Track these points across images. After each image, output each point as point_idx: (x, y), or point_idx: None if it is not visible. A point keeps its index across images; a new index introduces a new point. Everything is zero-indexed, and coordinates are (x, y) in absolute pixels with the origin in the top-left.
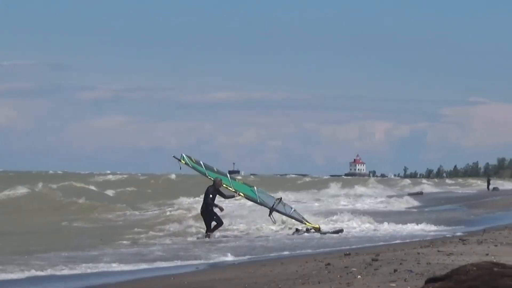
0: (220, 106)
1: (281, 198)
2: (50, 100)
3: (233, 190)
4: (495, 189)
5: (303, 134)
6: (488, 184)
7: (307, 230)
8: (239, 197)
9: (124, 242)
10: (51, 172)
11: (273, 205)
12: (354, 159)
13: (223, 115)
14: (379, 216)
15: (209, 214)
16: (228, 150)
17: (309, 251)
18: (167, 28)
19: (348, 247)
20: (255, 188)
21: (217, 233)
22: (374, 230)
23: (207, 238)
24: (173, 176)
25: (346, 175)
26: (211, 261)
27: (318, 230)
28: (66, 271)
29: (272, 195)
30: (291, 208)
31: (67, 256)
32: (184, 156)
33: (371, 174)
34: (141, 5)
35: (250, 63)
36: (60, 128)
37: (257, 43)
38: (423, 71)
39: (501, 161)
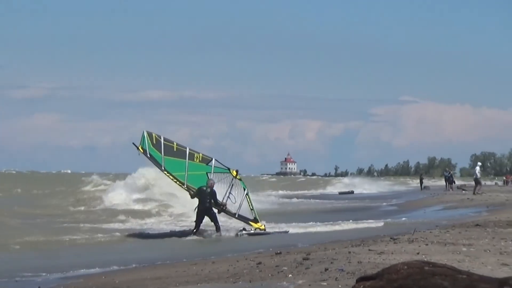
0: (153, 105)
1: (237, 170)
2: None
3: (181, 184)
4: (425, 188)
5: (235, 133)
6: (421, 183)
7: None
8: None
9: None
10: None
11: (222, 206)
12: (285, 158)
13: (155, 113)
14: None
15: (206, 213)
16: None
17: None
18: (98, 27)
19: (280, 246)
20: (212, 163)
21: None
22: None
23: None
24: None
25: (277, 174)
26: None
27: (263, 230)
28: None
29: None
30: (244, 190)
31: None
32: (145, 134)
33: (302, 173)
34: (72, 4)
35: (182, 61)
36: None
37: (190, 41)
38: (354, 71)
39: (432, 160)
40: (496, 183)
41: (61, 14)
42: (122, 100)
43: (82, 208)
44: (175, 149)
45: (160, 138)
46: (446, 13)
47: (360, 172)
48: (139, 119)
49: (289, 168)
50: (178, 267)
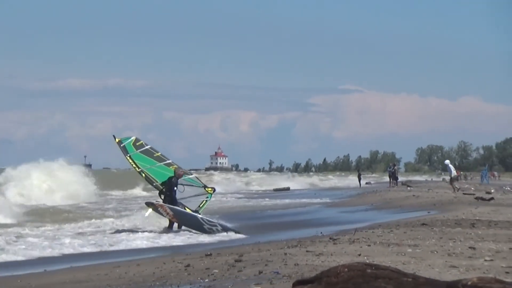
0: (72, 94)
1: (213, 188)
2: None
3: (138, 171)
4: (367, 184)
5: (161, 124)
6: (359, 179)
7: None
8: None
9: None
10: None
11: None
12: (216, 152)
13: (75, 104)
14: None
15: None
16: (80, 142)
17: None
18: (12, 9)
19: (211, 247)
20: (190, 176)
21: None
22: None
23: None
24: None
25: (206, 169)
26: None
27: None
28: None
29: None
30: (207, 197)
31: None
32: (132, 138)
33: (233, 168)
34: None
35: (105, 48)
36: None
37: (113, 25)
38: (291, 57)
39: (374, 154)
40: (443, 179)
41: None
42: (39, 89)
43: None
44: (155, 155)
45: (146, 145)
46: None
47: (296, 168)
48: (57, 110)
49: (220, 162)
50: (100, 270)
